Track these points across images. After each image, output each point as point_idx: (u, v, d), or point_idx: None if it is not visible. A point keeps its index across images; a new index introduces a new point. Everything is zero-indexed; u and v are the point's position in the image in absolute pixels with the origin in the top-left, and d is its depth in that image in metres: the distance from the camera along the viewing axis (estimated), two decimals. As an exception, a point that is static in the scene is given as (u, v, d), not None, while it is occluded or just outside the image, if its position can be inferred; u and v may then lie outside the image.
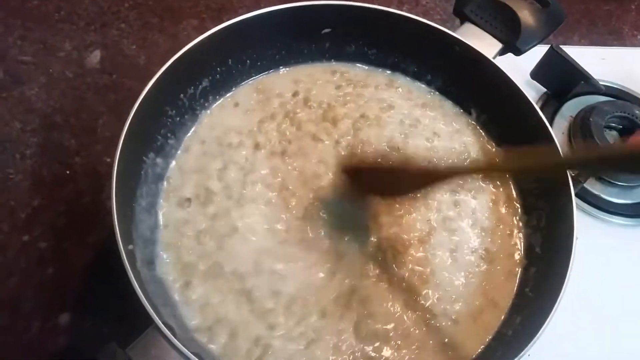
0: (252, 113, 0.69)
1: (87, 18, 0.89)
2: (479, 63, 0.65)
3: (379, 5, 0.95)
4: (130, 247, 0.52)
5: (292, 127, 0.67)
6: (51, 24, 0.87)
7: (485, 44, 0.66)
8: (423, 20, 0.65)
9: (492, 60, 0.64)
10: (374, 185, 0.60)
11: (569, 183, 0.59)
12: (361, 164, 0.62)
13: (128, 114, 0.77)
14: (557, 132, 0.85)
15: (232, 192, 0.62)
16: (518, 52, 0.67)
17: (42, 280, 0.66)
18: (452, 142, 0.69)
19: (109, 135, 0.77)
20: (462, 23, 0.69)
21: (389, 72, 0.73)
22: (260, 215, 0.61)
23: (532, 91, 0.88)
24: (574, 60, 0.82)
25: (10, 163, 0.74)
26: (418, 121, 0.69)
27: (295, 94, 0.70)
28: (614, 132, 0.85)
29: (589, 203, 0.79)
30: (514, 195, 0.66)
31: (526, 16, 0.67)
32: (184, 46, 0.85)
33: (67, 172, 0.74)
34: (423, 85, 0.72)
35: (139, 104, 0.57)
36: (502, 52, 0.67)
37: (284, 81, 0.71)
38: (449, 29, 0.66)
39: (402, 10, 0.96)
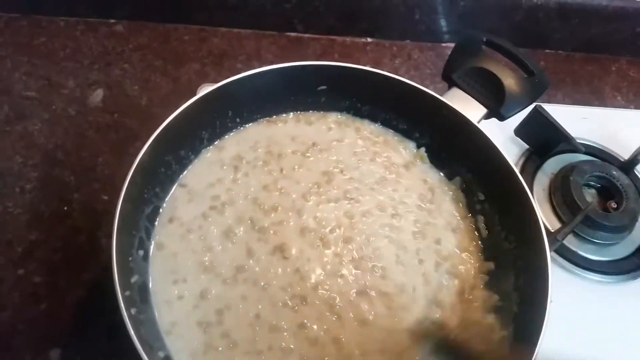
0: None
1: (91, 57, 0.92)
2: (464, 126, 0.69)
3: (374, 57, 1.01)
4: (128, 293, 0.54)
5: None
6: (56, 61, 0.91)
7: (470, 109, 0.69)
8: (413, 84, 0.69)
9: (476, 124, 0.68)
10: None
11: (544, 244, 0.62)
12: None
13: (128, 154, 0.81)
14: (538, 188, 0.88)
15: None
16: (502, 118, 0.71)
17: (35, 315, 0.68)
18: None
19: (108, 174, 0.80)
20: (449, 87, 0.72)
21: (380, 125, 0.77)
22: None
23: (516, 147, 0.92)
24: (556, 120, 0.86)
25: (10, 196, 0.76)
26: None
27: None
28: (593, 191, 0.88)
29: (567, 259, 0.82)
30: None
31: (511, 84, 0.71)
32: (185, 89, 0.90)
33: (65, 208, 0.76)
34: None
35: (144, 152, 0.59)
36: (486, 117, 0.71)
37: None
38: (438, 85, 0.69)
39: (394, 63, 1.02)
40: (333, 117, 0.77)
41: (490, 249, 0.70)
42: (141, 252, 0.61)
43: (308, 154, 0.73)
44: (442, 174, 0.75)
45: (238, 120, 0.72)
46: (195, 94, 0.86)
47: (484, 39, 0.74)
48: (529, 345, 0.55)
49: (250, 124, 0.74)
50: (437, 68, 1.01)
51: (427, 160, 0.75)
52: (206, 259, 0.63)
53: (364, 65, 0.71)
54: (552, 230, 0.81)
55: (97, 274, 0.71)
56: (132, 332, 0.49)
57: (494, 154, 0.67)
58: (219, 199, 0.67)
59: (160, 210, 0.65)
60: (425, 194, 0.73)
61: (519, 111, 0.72)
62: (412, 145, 0.76)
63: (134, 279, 0.58)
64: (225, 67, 0.94)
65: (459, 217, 0.72)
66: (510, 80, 0.71)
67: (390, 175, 0.73)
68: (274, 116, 0.74)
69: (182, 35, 0.97)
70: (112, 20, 0.96)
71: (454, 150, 0.73)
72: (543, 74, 0.74)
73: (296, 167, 0.71)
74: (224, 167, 0.70)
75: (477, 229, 0.71)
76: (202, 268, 0.62)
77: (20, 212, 0.75)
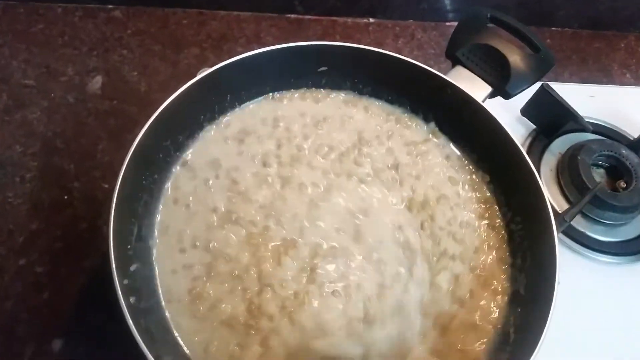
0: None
1: (89, 43, 0.91)
2: (469, 105, 0.67)
3: (376, 38, 0.99)
4: (126, 281, 0.53)
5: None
6: (55, 48, 0.89)
7: (475, 88, 0.68)
8: (416, 63, 0.67)
9: (481, 103, 0.66)
10: None
11: (552, 226, 0.60)
12: None
13: (127, 140, 0.79)
14: (546, 168, 0.87)
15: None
16: (507, 95, 0.69)
17: (37, 304, 0.68)
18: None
19: (108, 161, 0.79)
20: (453, 66, 0.71)
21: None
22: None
23: (522, 127, 0.90)
24: (563, 99, 0.85)
25: (10, 186, 0.75)
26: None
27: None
28: (601, 170, 0.87)
29: (575, 240, 0.81)
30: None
31: (517, 61, 0.69)
32: (184, 74, 0.89)
33: (66, 197, 0.75)
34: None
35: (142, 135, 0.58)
36: (492, 95, 0.69)
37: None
38: (442, 65, 0.68)
39: (397, 43, 1.00)
40: (339, 96, 0.75)
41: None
42: (140, 240, 0.60)
43: (320, 128, 0.72)
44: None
45: (237, 104, 0.71)
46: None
47: (488, 15, 0.72)
48: (536, 327, 0.54)
49: (253, 104, 0.72)
50: (441, 48, 1.00)
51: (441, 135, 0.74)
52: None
53: (366, 46, 0.69)
54: (560, 211, 0.79)
55: (98, 262, 0.70)
56: (130, 322, 0.49)
57: (500, 134, 0.66)
58: (221, 167, 0.67)
59: (162, 193, 0.64)
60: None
61: (525, 89, 0.71)
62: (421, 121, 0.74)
63: (133, 267, 0.57)
64: (224, 50, 0.92)
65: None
66: (515, 57, 0.69)
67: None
68: (277, 94, 0.73)
69: (181, 20, 0.95)
70: (110, 6, 0.95)
71: (459, 130, 0.71)
72: (549, 51, 0.72)
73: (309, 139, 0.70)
74: (228, 142, 0.69)
75: (484, 210, 0.70)
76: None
77: (21, 201, 0.74)
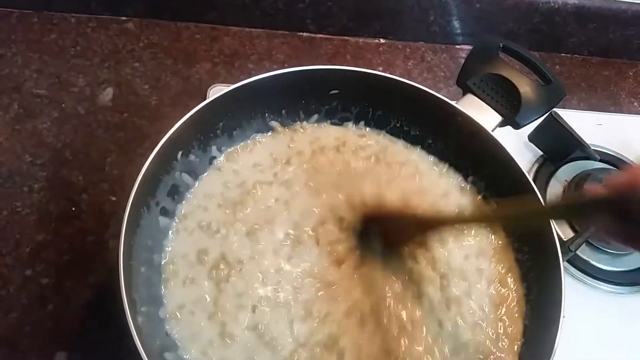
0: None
1: (102, 55, 0.91)
2: (478, 134, 0.67)
3: (387, 59, 0.99)
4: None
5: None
6: (67, 58, 0.90)
7: (485, 117, 0.68)
8: (428, 90, 0.67)
9: (491, 133, 0.67)
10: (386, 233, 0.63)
11: (558, 257, 0.61)
12: (381, 211, 0.65)
13: (136, 154, 0.80)
14: (552, 195, 0.87)
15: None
16: (517, 126, 0.70)
17: (42, 317, 0.68)
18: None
19: (117, 174, 0.79)
20: (464, 94, 0.71)
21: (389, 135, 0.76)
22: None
23: (529, 153, 0.91)
24: (571, 128, 0.85)
25: (18, 196, 0.75)
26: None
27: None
28: (607, 199, 0.87)
29: (579, 269, 0.81)
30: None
31: (527, 92, 0.69)
32: (195, 89, 0.89)
33: (73, 208, 0.76)
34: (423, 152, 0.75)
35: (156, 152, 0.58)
36: (501, 125, 0.70)
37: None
38: (451, 89, 0.67)
39: (407, 65, 1.00)
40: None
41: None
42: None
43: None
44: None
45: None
46: (205, 94, 0.86)
47: (501, 45, 0.72)
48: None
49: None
50: (451, 71, 1.00)
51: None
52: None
53: (376, 67, 0.70)
54: (565, 239, 0.79)
55: (104, 277, 0.71)
56: (137, 340, 0.49)
57: (509, 165, 0.66)
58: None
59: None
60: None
61: (535, 120, 0.71)
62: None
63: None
64: (236, 66, 0.93)
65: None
66: (526, 88, 0.69)
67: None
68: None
69: (194, 34, 0.96)
70: (124, 18, 0.95)
71: (466, 158, 0.72)
72: (559, 83, 0.72)
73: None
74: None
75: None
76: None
77: (29, 212, 0.75)
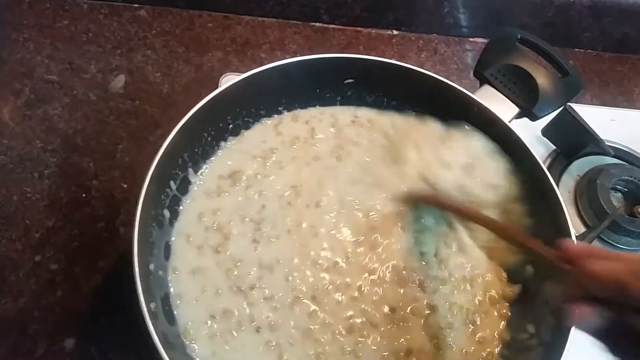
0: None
1: (114, 41, 0.91)
2: (495, 125, 0.67)
3: (399, 51, 0.99)
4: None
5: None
6: (79, 44, 0.89)
7: (502, 108, 0.68)
8: (445, 80, 0.67)
9: (508, 124, 0.66)
10: None
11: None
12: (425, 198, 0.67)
13: (148, 141, 0.80)
14: (564, 190, 0.86)
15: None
16: (534, 117, 0.69)
17: (51, 302, 0.67)
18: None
19: (128, 161, 0.78)
20: (481, 85, 0.70)
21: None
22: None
23: (542, 148, 0.90)
24: (585, 122, 0.84)
25: (28, 181, 0.75)
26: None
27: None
28: (619, 195, 0.86)
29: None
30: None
31: (545, 84, 0.68)
32: (207, 78, 0.89)
33: (84, 195, 0.75)
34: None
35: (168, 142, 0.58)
36: (518, 116, 0.69)
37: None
38: (464, 82, 0.67)
39: (420, 57, 0.99)
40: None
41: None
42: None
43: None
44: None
45: (262, 112, 0.71)
46: (217, 83, 0.86)
47: (519, 37, 0.71)
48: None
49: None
50: (464, 63, 0.99)
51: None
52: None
53: (389, 58, 0.69)
54: (577, 235, 0.79)
55: (114, 263, 0.70)
56: (151, 328, 0.49)
57: (525, 155, 0.65)
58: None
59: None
60: None
61: (552, 112, 0.70)
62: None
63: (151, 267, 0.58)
64: (248, 56, 0.92)
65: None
66: (544, 80, 0.69)
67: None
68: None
69: (206, 22, 0.95)
70: (136, 5, 0.94)
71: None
72: (577, 75, 0.72)
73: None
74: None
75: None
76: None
77: (39, 198, 0.74)
